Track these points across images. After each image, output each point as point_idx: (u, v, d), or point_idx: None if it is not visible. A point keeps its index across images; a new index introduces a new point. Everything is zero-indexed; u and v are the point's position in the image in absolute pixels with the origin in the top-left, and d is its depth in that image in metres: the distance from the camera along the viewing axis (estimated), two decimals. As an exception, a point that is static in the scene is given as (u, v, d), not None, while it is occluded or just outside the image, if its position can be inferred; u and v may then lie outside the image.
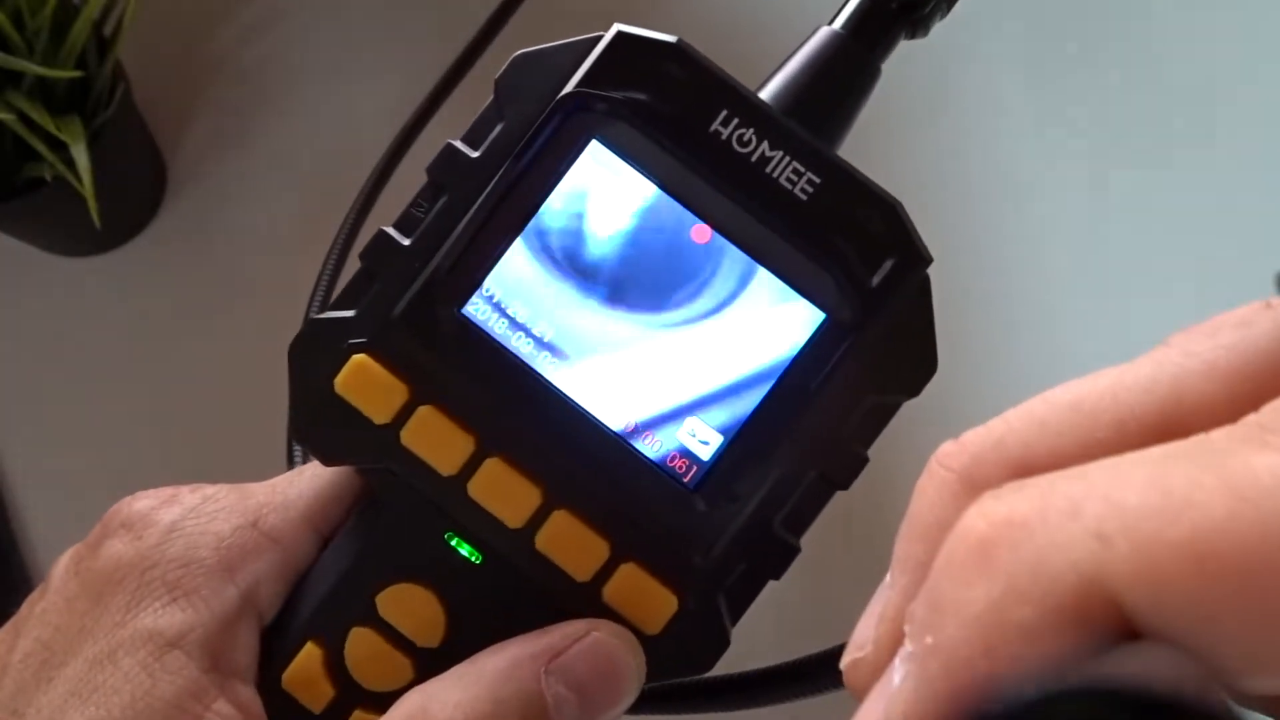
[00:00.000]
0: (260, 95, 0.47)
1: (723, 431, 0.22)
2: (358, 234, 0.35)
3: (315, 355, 0.22)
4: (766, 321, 0.22)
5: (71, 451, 0.43)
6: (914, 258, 0.21)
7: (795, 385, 0.21)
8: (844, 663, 0.14)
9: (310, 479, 0.23)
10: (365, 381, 0.22)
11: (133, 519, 0.22)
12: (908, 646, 0.12)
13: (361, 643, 0.22)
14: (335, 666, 0.22)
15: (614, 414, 0.22)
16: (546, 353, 0.22)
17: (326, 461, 0.22)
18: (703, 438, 0.22)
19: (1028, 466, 0.13)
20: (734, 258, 0.22)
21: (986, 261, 0.40)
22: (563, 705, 0.20)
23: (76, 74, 0.38)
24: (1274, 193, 0.41)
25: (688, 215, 0.22)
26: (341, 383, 0.22)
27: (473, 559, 0.22)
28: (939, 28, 0.24)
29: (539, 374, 0.22)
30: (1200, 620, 0.10)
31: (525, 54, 0.22)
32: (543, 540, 0.21)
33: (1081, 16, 0.44)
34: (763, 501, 0.22)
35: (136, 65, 0.42)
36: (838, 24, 0.23)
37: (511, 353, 0.22)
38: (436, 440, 0.22)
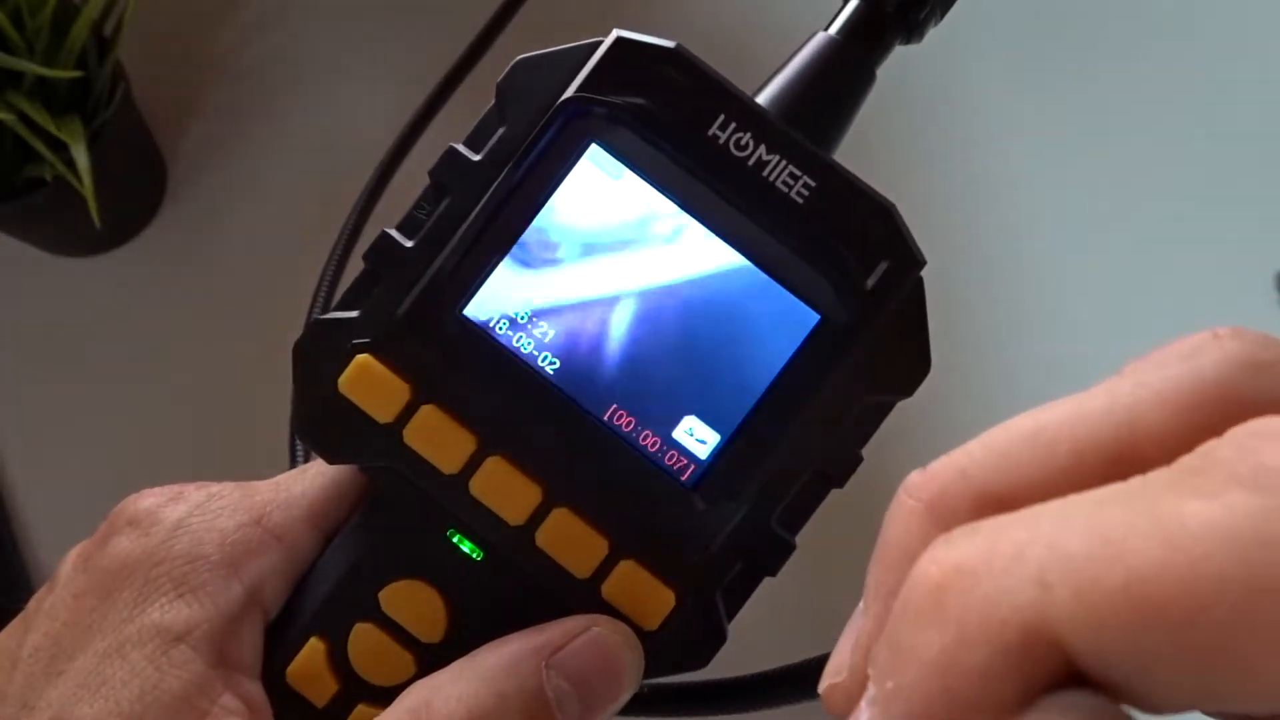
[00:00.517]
0: (260, 95, 0.47)
1: (720, 430, 0.22)
2: (359, 236, 0.35)
3: (319, 355, 0.22)
4: (763, 322, 0.22)
5: (71, 450, 0.44)
6: (908, 260, 0.22)
7: (791, 385, 0.22)
8: (821, 687, 0.15)
9: (314, 477, 0.24)
10: (368, 381, 0.22)
11: (139, 516, 0.22)
12: (871, 690, 0.12)
13: (364, 638, 0.22)
14: (339, 661, 0.22)
15: (613, 412, 0.22)
16: (547, 353, 0.22)
17: (330, 460, 0.23)
18: (700, 436, 0.22)
19: (991, 496, 0.13)
20: (731, 259, 0.22)
21: (980, 263, 0.41)
22: (563, 699, 0.20)
23: (76, 74, 0.38)
24: (1274, 193, 0.42)
25: (685, 218, 0.22)
26: (345, 382, 0.22)
27: (474, 556, 0.22)
28: (935, 32, 0.25)
29: (540, 374, 0.22)
30: (1137, 661, 0.11)
31: (526, 59, 0.23)
32: (543, 537, 0.22)
33: (1076, 18, 0.44)
34: (759, 499, 0.22)
35: (136, 65, 0.43)
36: (834, 29, 0.24)
37: (513, 353, 0.22)
38: (438, 439, 0.22)
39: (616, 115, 0.22)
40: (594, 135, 0.22)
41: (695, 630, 0.22)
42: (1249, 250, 0.41)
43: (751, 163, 0.22)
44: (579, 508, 0.22)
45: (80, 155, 0.37)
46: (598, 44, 0.22)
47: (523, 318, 0.22)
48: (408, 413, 0.22)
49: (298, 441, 0.31)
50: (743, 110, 0.22)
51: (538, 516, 0.22)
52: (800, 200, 0.22)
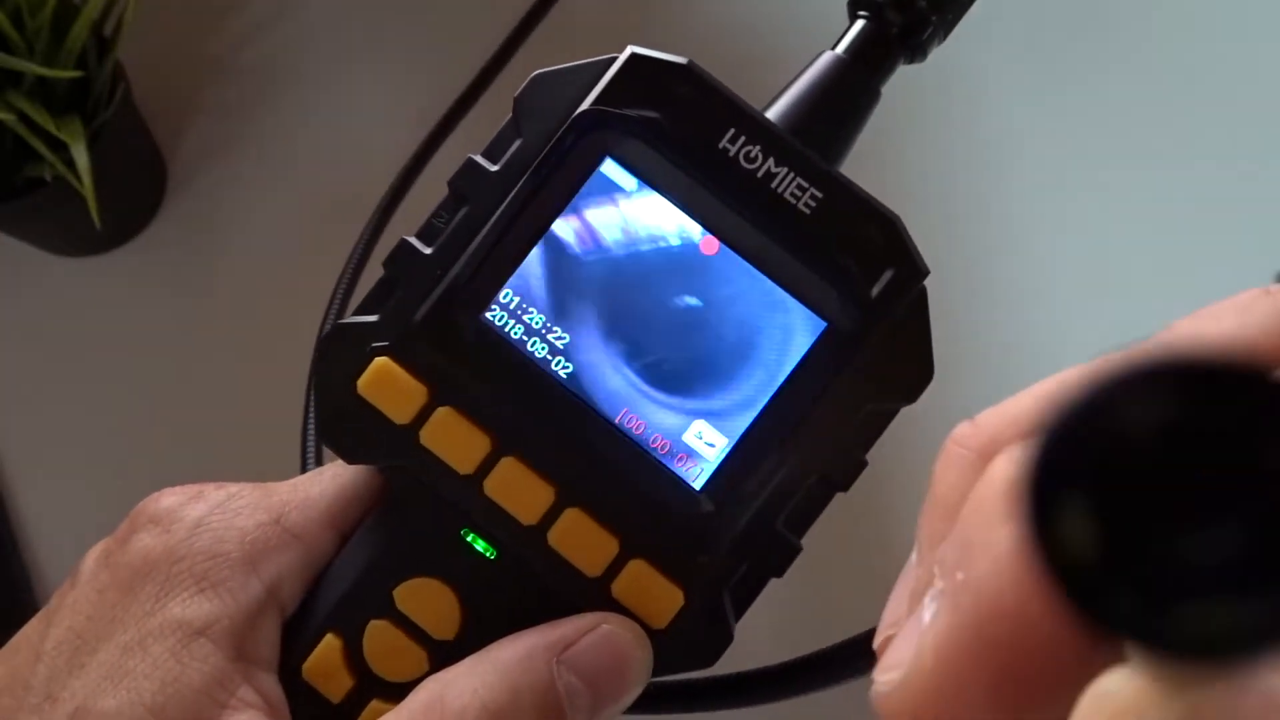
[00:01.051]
0: (261, 95, 0.47)
1: (728, 434, 0.23)
2: (374, 246, 0.36)
3: (340, 358, 0.23)
4: (771, 329, 0.23)
5: (71, 451, 0.43)
6: (912, 270, 0.22)
7: (798, 391, 0.22)
8: (877, 642, 0.15)
9: (331, 479, 0.24)
10: (387, 383, 0.23)
11: (160, 514, 0.23)
12: (938, 584, 0.13)
13: (379, 635, 0.23)
14: (354, 657, 0.23)
15: (625, 416, 0.23)
16: (561, 357, 0.23)
17: (349, 460, 0.23)
18: (709, 440, 0.23)
19: None
20: (741, 269, 0.23)
21: (983, 266, 0.41)
22: (574, 694, 0.21)
23: (76, 74, 0.38)
24: (1274, 193, 0.42)
25: (697, 228, 0.23)
26: (364, 384, 0.23)
27: (488, 555, 0.23)
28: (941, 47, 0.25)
29: (554, 378, 0.23)
30: None
31: (543, 73, 0.23)
32: (555, 537, 0.22)
33: (1081, 28, 0.45)
34: (766, 502, 0.23)
35: (136, 65, 0.42)
36: (840, 49, 0.25)
37: (527, 357, 0.23)
38: (454, 440, 0.23)
39: (630, 128, 0.23)
40: (608, 147, 0.23)
41: (702, 629, 0.23)
42: (1249, 250, 0.41)
43: (760, 175, 0.22)
44: (590, 508, 0.22)
45: (80, 155, 0.37)
46: (612, 60, 0.23)
47: (537, 323, 0.23)
48: (424, 414, 0.23)
49: (308, 445, 0.32)
50: (752, 124, 0.22)
51: (550, 516, 0.22)
52: (807, 211, 0.22)
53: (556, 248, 0.23)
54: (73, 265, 0.45)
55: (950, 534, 0.13)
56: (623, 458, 0.23)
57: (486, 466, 0.22)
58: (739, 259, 0.23)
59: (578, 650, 0.21)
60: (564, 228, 0.23)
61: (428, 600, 0.23)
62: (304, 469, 0.31)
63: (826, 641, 0.25)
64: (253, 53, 0.47)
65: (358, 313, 0.23)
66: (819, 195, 0.22)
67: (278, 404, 0.41)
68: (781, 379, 0.23)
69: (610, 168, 0.23)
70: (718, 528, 0.22)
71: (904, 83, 0.25)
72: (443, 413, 0.23)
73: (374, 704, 0.23)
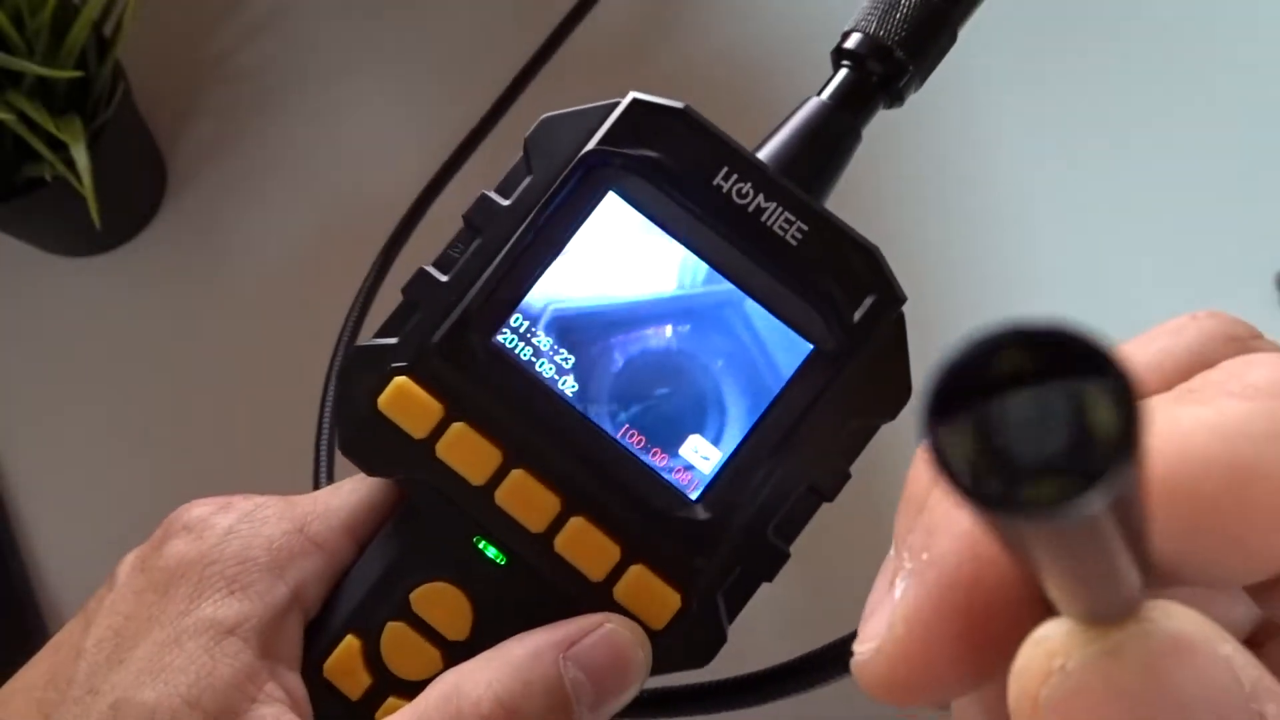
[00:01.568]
0: (261, 96, 0.47)
1: (722, 448, 0.24)
2: (386, 272, 0.37)
3: (361, 377, 0.25)
4: (761, 351, 0.24)
5: (71, 451, 0.43)
6: (891, 297, 0.24)
7: (787, 408, 0.24)
8: (862, 621, 0.17)
9: (350, 491, 0.26)
10: (405, 401, 0.24)
11: (193, 523, 0.24)
12: (906, 564, 0.14)
13: (396, 636, 0.24)
14: (372, 657, 0.24)
15: (626, 431, 0.24)
16: (568, 377, 0.25)
17: (370, 472, 0.25)
18: (704, 454, 0.24)
19: None
20: (732, 295, 0.25)
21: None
22: (579, 687, 0.22)
23: (76, 74, 0.38)
24: (1274, 193, 0.42)
25: (692, 257, 0.25)
26: (384, 401, 0.24)
27: (498, 560, 0.25)
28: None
29: (560, 396, 0.25)
30: None
31: (551, 116, 0.25)
32: (561, 543, 0.24)
33: (1072, 22, 0.45)
34: (757, 511, 0.24)
35: (136, 65, 0.42)
36: (825, 95, 0.27)
37: (536, 376, 0.25)
38: (468, 453, 0.24)
39: (632, 166, 0.25)
40: (612, 184, 0.25)
41: (698, 630, 0.24)
42: (1249, 250, 0.42)
43: (751, 209, 0.24)
44: (594, 517, 0.24)
45: (80, 155, 0.37)
46: (616, 104, 0.25)
47: (545, 346, 0.25)
48: (440, 429, 0.24)
49: (321, 457, 0.33)
50: (743, 163, 0.25)
51: (557, 524, 0.24)
52: (794, 243, 0.24)
53: (562, 276, 0.25)
54: (73, 265, 0.45)
55: (916, 523, 0.15)
56: (624, 470, 0.24)
57: (498, 478, 0.24)
58: (731, 286, 0.25)
59: (582, 647, 0.23)
60: (570, 257, 0.25)
61: (442, 603, 0.24)
62: (317, 482, 0.33)
63: (816, 643, 0.27)
64: (253, 53, 0.47)
65: (378, 335, 0.25)
66: (805, 228, 0.24)
67: (277, 403, 0.41)
68: (770, 397, 0.24)
69: (613, 202, 0.25)
70: (713, 535, 0.24)
71: (887, 120, 0.27)
72: (457, 428, 0.24)
73: (390, 700, 0.24)
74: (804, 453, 0.24)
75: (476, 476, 0.24)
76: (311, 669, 0.24)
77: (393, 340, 0.25)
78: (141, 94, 0.44)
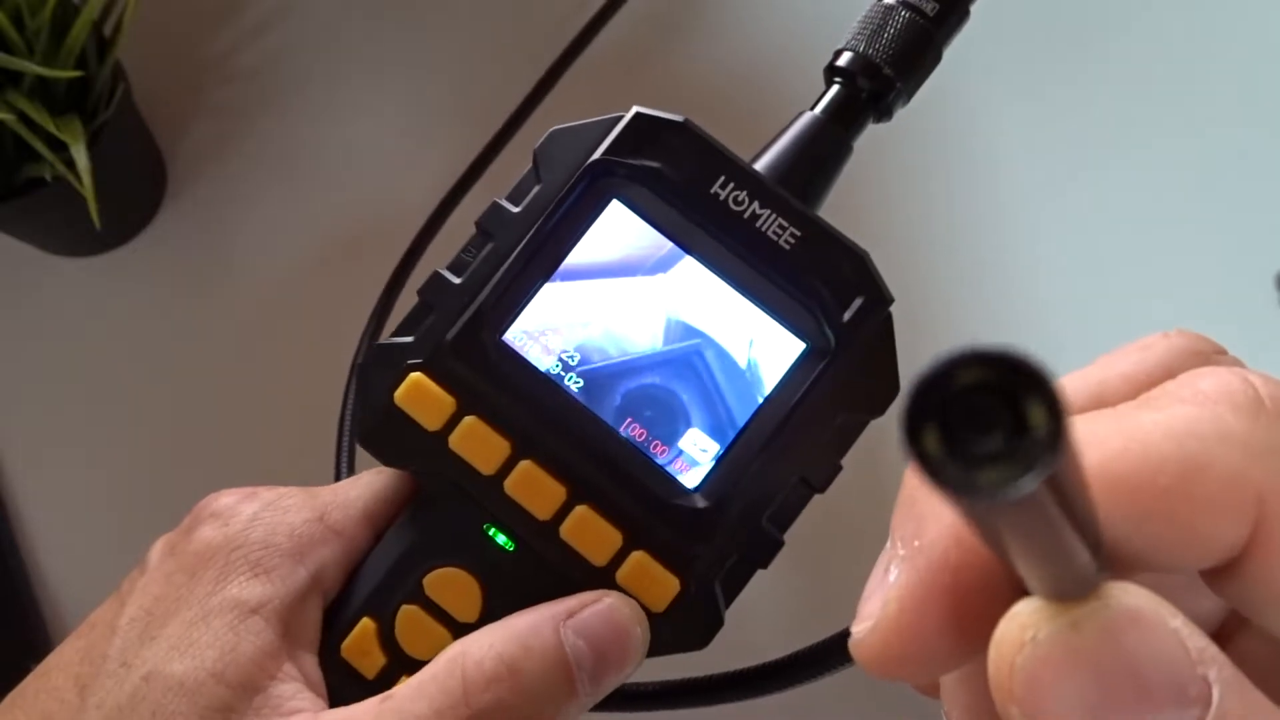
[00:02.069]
0: (261, 96, 0.47)
1: (719, 441, 0.26)
2: (405, 279, 0.39)
3: (379, 373, 0.26)
4: (757, 348, 0.26)
5: (71, 451, 0.43)
6: (879, 298, 0.26)
7: (780, 403, 0.26)
8: (856, 620, 0.18)
9: (367, 483, 0.27)
10: (420, 395, 0.26)
11: (220, 510, 0.26)
12: (900, 551, 0.16)
13: (410, 618, 0.26)
14: (387, 639, 0.26)
15: (628, 425, 0.26)
16: (573, 373, 0.26)
17: (387, 463, 0.26)
18: (702, 446, 0.26)
19: None
20: (729, 296, 0.26)
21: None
22: (579, 655, 0.24)
23: (76, 74, 0.38)
24: (1274, 193, 0.43)
25: (691, 261, 0.26)
26: (400, 396, 0.26)
27: (507, 547, 0.26)
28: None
29: (566, 391, 0.26)
30: (1103, 519, 0.14)
31: (559, 129, 0.27)
32: (567, 531, 0.25)
33: (1070, 16, 0.45)
34: (752, 501, 0.26)
35: (136, 65, 0.42)
36: (818, 109, 0.28)
37: (544, 373, 0.26)
38: (479, 445, 0.26)
39: (634, 176, 0.26)
40: (615, 192, 0.26)
41: (696, 613, 0.25)
42: (1249, 250, 0.42)
43: (747, 215, 0.26)
44: (598, 506, 0.25)
45: (80, 155, 0.37)
46: (620, 117, 0.27)
47: (552, 344, 0.26)
48: (453, 422, 0.26)
49: (342, 450, 0.35)
50: (740, 173, 0.26)
51: (563, 513, 0.25)
52: (788, 247, 0.26)
53: (569, 278, 0.26)
54: (73, 265, 0.45)
55: (910, 515, 0.16)
56: (626, 462, 0.26)
57: (507, 468, 0.26)
58: (728, 287, 0.26)
59: (582, 617, 0.24)
60: (575, 260, 0.26)
61: (453, 587, 0.26)
62: (338, 473, 0.34)
63: (809, 633, 0.28)
64: (253, 54, 0.47)
65: (395, 334, 0.27)
66: (798, 233, 0.26)
67: (277, 402, 0.42)
68: (765, 393, 0.26)
69: (617, 209, 0.26)
70: (710, 524, 0.25)
71: (877, 133, 0.29)
72: (469, 421, 0.26)
73: (404, 679, 0.25)
74: (796, 446, 0.26)
75: (487, 467, 0.26)
76: (329, 649, 0.26)
77: (409, 339, 0.26)
78: (141, 94, 0.44)
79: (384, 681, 0.26)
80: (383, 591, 0.26)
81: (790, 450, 0.26)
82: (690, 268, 0.26)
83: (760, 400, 0.26)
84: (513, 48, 0.45)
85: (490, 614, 0.26)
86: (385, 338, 0.27)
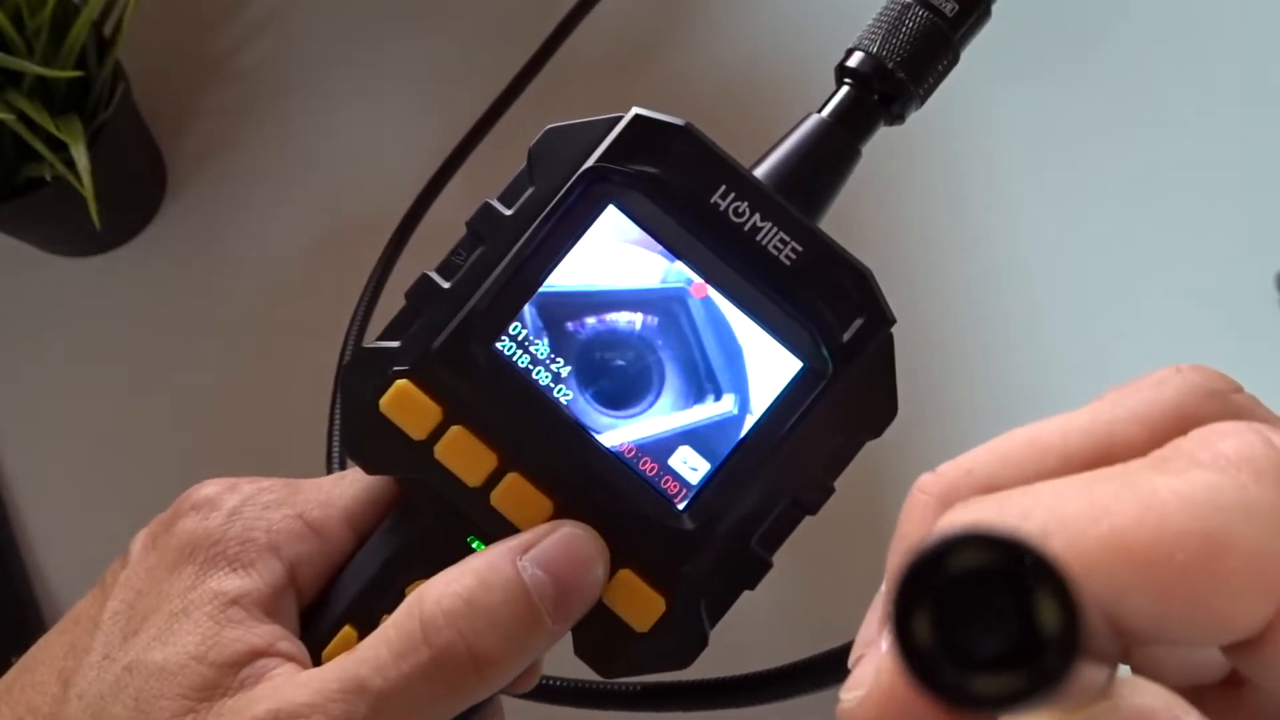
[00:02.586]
0: (261, 96, 0.47)
1: (710, 460, 0.25)
2: (388, 276, 0.38)
3: (364, 379, 0.26)
4: (752, 366, 0.25)
5: (71, 450, 0.44)
6: (880, 318, 0.25)
7: (775, 422, 0.25)
8: (852, 659, 0.17)
9: (351, 483, 0.27)
10: (406, 403, 0.25)
11: (201, 502, 0.26)
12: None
13: None
14: None
15: (618, 440, 0.25)
16: (562, 385, 0.25)
17: (370, 470, 0.26)
18: (692, 464, 0.25)
19: (992, 490, 0.16)
20: (727, 311, 0.25)
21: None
22: (539, 585, 0.23)
23: (76, 74, 0.38)
24: (1274, 194, 0.42)
25: (689, 273, 0.25)
26: (386, 403, 0.25)
27: (491, 560, 0.25)
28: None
29: (556, 403, 0.25)
30: (1115, 594, 0.14)
31: (555, 128, 0.26)
32: None
33: (1068, 24, 0.45)
34: (742, 522, 0.25)
35: (136, 65, 0.42)
36: (825, 112, 0.27)
37: (533, 384, 0.25)
38: (465, 456, 0.25)
39: (632, 182, 0.25)
40: (612, 198, 0.25)
41: (681, 633, 0.25)
42: (1249, 251, 0.42)
43: (747, 228, 0.25)
44: (585, 521, 0.25)
45: (80, 155, 0.37)
46: (618, 119, 0.25)
47: (542, 354, 0.26)
48: (439, 432, 0.25)
49: (333, 450, 0.34)
50: (741, 182, 0.25)
51: None
52: (788, 262, 0.25)
53: (561, 286, 0.26)
54: (73, 265, 0.45)
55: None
56: (615, 477, 0.25)
57: (493, 480, 0.25)
58: (726, 302, 0.25)
59: (539, 548, 0.24)
60: (569, 269, 0.25)
61: None
62: (329, 470, 0.34)
63: (795, 650, 0.28)
64: (253, 54, 0.47)
65: (381, 338, 0.26)
66: (799, 248, 0.25)
67: (276, 402, 0.42)
68: (759, 412, 0.25)
69: (613, 216, 0.25)
70: (698, 543, 0.25)
71: (888, 139, 0.28)
72: (455, 431, 0.25)
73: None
74: (789, 467, 0.25)
75: (473, 478, 0.25)
76: (310, 657, 0.25)
77: (395, 344, 0.26)
78: (141, 94, 0.44)
79: (364, 690, 0.25)
80: (364, 599, 0.26)
81: (783, 471, 0.25)
82: (686, 279, 0.25)
83: (755, 419, 0.25)
84: (513, 48, 0.44)
85: (473, 627, 0.25)
86: (371, 341, 0.26)
